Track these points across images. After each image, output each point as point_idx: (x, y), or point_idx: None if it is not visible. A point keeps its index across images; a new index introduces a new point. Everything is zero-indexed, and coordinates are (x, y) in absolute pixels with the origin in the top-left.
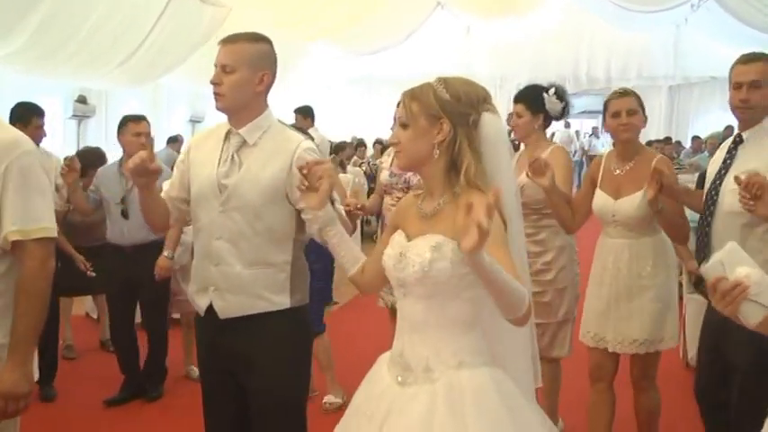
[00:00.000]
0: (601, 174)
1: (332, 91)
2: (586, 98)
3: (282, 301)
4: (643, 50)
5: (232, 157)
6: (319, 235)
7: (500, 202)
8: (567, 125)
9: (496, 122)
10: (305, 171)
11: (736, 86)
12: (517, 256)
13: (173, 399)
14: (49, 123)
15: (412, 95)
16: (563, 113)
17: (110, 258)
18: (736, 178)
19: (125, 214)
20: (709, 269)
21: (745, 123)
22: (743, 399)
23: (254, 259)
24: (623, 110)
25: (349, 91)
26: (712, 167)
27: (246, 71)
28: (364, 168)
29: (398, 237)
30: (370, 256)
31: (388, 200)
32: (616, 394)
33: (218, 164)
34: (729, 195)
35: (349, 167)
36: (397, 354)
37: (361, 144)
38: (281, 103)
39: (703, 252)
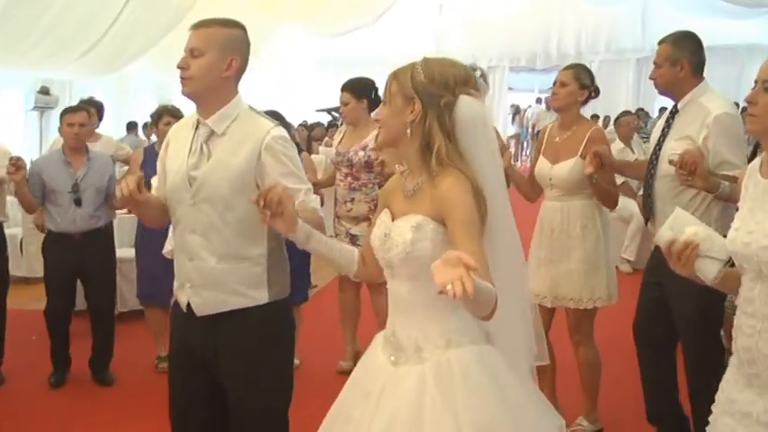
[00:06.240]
0: (544, 142)
1: (305, 73)
2: (556, 73)
3: (260, 296)
4: (612, 25)
5: (201, 147)
6: (304, 248)
7: (478, 186)
8: (539, 101)
9: (473, 105)
10: (261, 203)
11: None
12: (502, 243)
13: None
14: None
15: (394, 75)
16: None
17: (56, 247)
18: (670, 161)
19: (78, 202)
20: (662, 236)
21: (664, 95)
22: (699, 349)
23: (226, 252)
24: (558, 81)
25: (321, 72)
26: (655, 135)
27: (215, 55)
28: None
29: (384, 216)
30: (364, 245)
31: (337, 175)
32: (566, 350)
33: (188, 155)
34: (666, 160)
35: (321, 148)
36: (390, 333)
37: (333, 125)
38: (253, 87)
39: (648, 209)
